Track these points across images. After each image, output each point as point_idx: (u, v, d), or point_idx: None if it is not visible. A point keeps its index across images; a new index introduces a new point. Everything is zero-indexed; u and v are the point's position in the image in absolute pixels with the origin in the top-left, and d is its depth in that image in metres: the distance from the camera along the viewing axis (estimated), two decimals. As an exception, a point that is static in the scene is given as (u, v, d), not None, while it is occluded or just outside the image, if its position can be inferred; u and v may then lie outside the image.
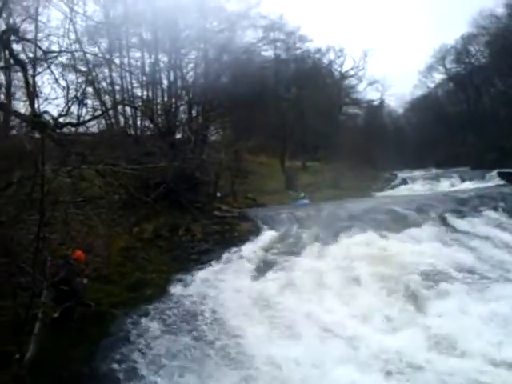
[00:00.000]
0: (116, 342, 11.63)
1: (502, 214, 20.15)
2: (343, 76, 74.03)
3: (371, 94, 78.30)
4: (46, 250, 10.56)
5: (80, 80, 20.72)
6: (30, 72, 18.71)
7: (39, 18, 19.05)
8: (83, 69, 22.71)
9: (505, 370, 10.74)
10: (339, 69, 73.49)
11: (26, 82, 18.48)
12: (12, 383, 7.92)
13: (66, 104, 16.62)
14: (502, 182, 37.35)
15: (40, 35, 19.23)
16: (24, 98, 19.53)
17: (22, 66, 18.20)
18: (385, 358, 11.32)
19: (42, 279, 8.51)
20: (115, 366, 10.79)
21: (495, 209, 20.73)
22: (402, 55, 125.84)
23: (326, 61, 70.70)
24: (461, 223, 19.29)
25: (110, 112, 25.65)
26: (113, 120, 26.29)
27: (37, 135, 16.15)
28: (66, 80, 17.41)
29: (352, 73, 74.27)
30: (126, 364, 10.87)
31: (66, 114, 17.24)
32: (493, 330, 12.05)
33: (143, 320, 12.62)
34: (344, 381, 10.62)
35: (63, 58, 20.12)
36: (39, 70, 18.95)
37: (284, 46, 59.20)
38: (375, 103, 77.67)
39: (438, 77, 74.10)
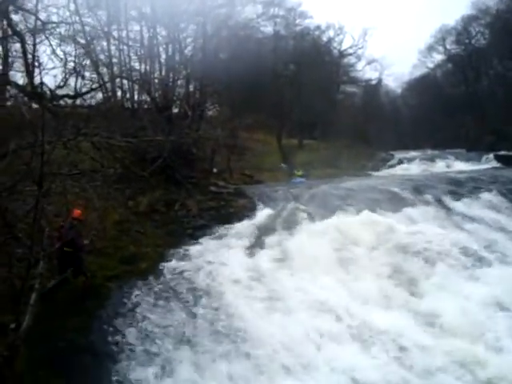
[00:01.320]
0: (110, 315, 11.68)
1: (498, 196, 20.14)
2: (342, 54, 73.71)
3: (370, 73, 78.19)
4: (43, 221, 10.55)
5: (78, 52, 20.63)
6: (28, 43, 18.59)
7: (39, -12, 18.83)
8: (81, 41, 22.60)
9: (492, 351, 10.89)
10: (338, 47, 73.31)
11: (24, 52, 18.36)
12: (7, 353, 7.94)
13: (64, 76, 16.53)
14: (498, 165, 37.48)
15: (39, 6, 19.07)
16: (22, 69, 19.43)
17: (20, 36, 18.06)
18: (375, 336, 11.45)
19: (39, 250, 8.50)
20: (109, 338, 10.86)
21: (491, 191, 20.70)
22: (402, 35, 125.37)
23: (325, 38, 70.42)
24: (456, 205, 19.30)
25: (108, 85, 25.49)
26: (110, 93, 26.12)
27: (34, 106, 16.11)
28: (64, 52, 17.34)
29: (351, 51, 74.08)
30: (120, 336, 10.94)
31: (63, 86, 17.17)
32: (484, 312, 12.16)
33: (137, 293, 12.65)
34: (334, 356, 10.76)
35: (62, 30, 20.03)
36: (37, 40, 18.83)
37: (283, 22, 58.87)
38: (373, 82, 77.34)
39: (438, 57, 74.05)
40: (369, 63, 74.86)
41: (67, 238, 11.40)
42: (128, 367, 10.12)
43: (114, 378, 9.90)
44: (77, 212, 12.19)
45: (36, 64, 18.24)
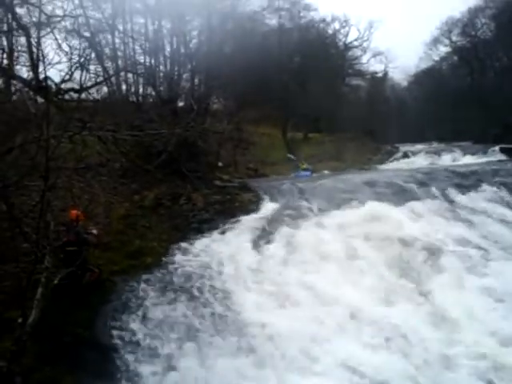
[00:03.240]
0: (115, 309, 11.70)
1: (504, 189, 20.07)
2: (347, 47, 73.51)
3: (375, 66, 77.92)
4: (48, 215, 10.57)
5: (83, 45, 20.60)
6: (33, 36, 18.56)
7: (43, -19, 18.76)
8: (86, 34, 22.60)
9: (496, 344, 10.88)
10: (343, 39, 73.10)
11: (29, 46, 18.34)
12: (13, 347, 7.98)
13: (69, 69, 16.52)
14: (504, 158, 37.31)
15: (43, -1, 19.01)
16: (27, 63, 19.40)
17: (25, 30, 18.05)
18: (381, 330, 11.45)
19: (45, 244, 8.51)
20: (115, 332, 10.89)
21: (497, 184, 20.63)
22: (408, 27, 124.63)
23: (330, 31, 70.25)
24: (462, 198, 19.24)
25: (112, 78, 25.49)
26: (115, 87, 26.13)
27: (40, 100, 16.10)
28: (69, 45, 17.31)
29: (356, 44, 73.91)
30: (126, 331, 10.97)
31: (68, 80, 17.16)
32: (488, 305, 12.17)
33: (143, 288, 12.67)
34: (340, 351, 10.78)
35: (67, 23, 19.99)
36: (42, 34, 18.79)
37: (288, 14, 58.71)
38: (379, 75, 77.14)
39: (444, 50, 73.65)
40: (374, 56, 74.71)
41: (68, 239, 11.35)
42: (134, 361, 10.16)
43: (120, 372, 9.95)
44: (72, 213, 11.96)
45: (41, 58, 18.19)
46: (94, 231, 12.40)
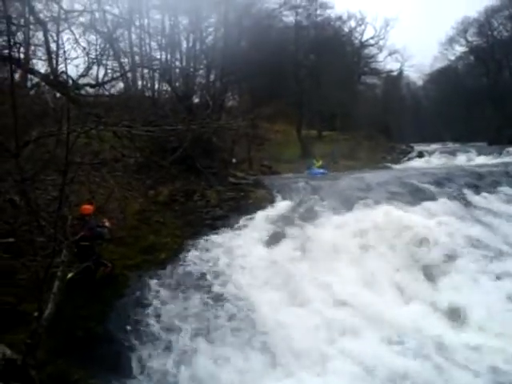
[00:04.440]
0: (129, 304, 11.78)
1: (519, 190, 20.00)
2: (363, 45, 73.17)
3: (391, 65, 77.77)
4: (65, 210, 10.62)
5: (100, 41, 20.69)
6: (50, 31, 18.67)
7: (62, -23, 18.85)
8: (103, 30, 22.68)
9: (507, 344, 10.86)
10: (359, 37, 72.66)
11: (46, 41, 18.43)
12: (29, 341, 8.03)
13: (88, 65, 16.60)
14: (519, 158, 37.09)
15: (62, -5, 19.11)
16: (43, 57, 19.52)
17: (43, 24, 18.14)
18: (395, 329, 11.47)
19: (62, 238, 8.55)
20: (128, 327, 10.96)
21: (511, 185, 20.54)
22: (424, 26, 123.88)
23: (346, 29, 69.84)
24: (477, 198, 19.16)
25: (128, 74, 25.56)
26: (130, 82, 26.20)
27: (57, 94, 16.18)
28: (87, 40, 17.41)
29: (372, 42, 73.42)
30: (139, 326, 11.04)
31: (85, 75, 17.25)
32: (501, 306, 12.14)
33: (156, 283, 12.72)
34: (353, 350, 10.79)
35: (84, 19, 20.08)
36: (60, 29, 18.90)
37: (305, 12, 58.46)
38: (394, 74, 76.81)
39: (459, 49, 73.23)
40: (390, 54, 74.24)
41: (82, 234, 11.37)
42: (146, 356, 10.25)
43: (132, 367, 10.04)
44: (85, 208, 12.01)
45: (58, 53, 18.33)
46: (107, 224, 12.42)
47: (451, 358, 10.54)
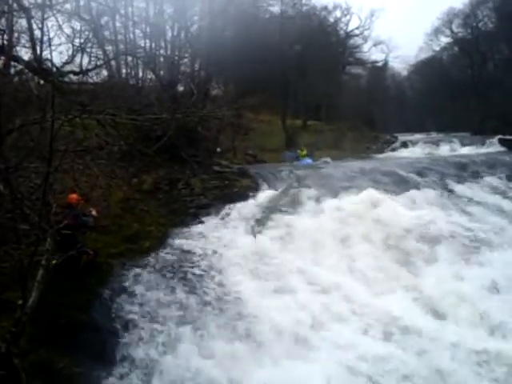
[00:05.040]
0: (113, 293, 11.71)
1: (502, 180, 20.18)
2: (348, 35, 73.15)
3: (376, 55, 77.44)
4: (50, 198, 10.56)
5: (84, 29, 20.52)
6: (34, 18, 18.48)
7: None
8: (87, 17, 22.50)
9: (486, 335, 11.02)
10: (345, 28, 72.66)
11: (30, 28, 18.25)
12: (13, 329, 8.00)
13: (72, 52, 16.47)
14: (502, 149, 37.36)
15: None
16: (27, 45, 19.34)
17: (26, 11, 17.96)
18: (377, 318, 11.57)
19: (47, 226, 8.52)
20: (112, 315, 10.92)
21: (495, 175, 20.72)
22: (410, 17, 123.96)
23: (331, 19, 69.71)
24: (460, 188, 19.33)
25: (113, 62, 25.38)
26: (115, 70, 26.02)
27: (41, 82, 16.04)
28: (71, 27, 17.25)
29: (357, 32, 73.43)
30: (123, 314, 10.99)
31: (69, 63, 17.11)
32: (482, 296, 12.28)
33: (140, 271, 12.68)
34: (336, 338, 10.87)
35: (68, 6, 19.89)
36: (44, 16, 18.71)
37: (291, 1, 58.30)
38: (379, 64, 76.87)
39: (444, 40, 73.26)
40: (375, 45, 74.30)
41: (66, 223, 11.30)
42: (130, 344, 10.20)
43: (117, 355, 9.99)
44: (71, 197, 11.95)
45: (42, 40, 18.16)
46: (94, 212, 12.35)
47: (433, 345, 10.67)
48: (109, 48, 25.57)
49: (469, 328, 11.30)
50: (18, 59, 17.98)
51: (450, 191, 18.93)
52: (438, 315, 11.82)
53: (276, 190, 19.00)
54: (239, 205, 17.45)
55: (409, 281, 13.20)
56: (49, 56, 19.24)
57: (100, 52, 24.34)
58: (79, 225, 11.83)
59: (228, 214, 16.80)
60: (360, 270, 13.49)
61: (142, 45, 28.03)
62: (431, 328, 11.23)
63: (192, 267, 13.11)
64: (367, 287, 12.77)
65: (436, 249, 14.36)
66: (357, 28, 72.94)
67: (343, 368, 9.98)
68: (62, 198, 11.96)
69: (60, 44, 16.86)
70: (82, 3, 22.84)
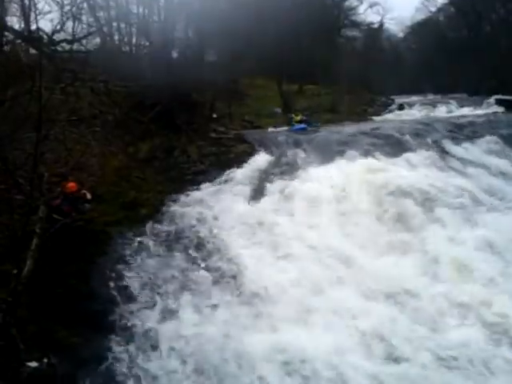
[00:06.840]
0: (111, 261, 11.75)
1: (499, 141, 20.02)
2: (343, -4, 72.23)
3: (371, 17, 76.76)
4: (42, 167, 10.48)
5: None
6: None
7: None
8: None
9: (483, 291, 11.06)
10: (340, -12, 71.68)
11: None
12: (9, 298, 8.00)
13: (61, 20, 16.19)
14: (499, 109, 37.11)
15: None
16: (17, 13, 19.02)
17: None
18: (376, 280, 11.58)
19: (39, 195, 8.47)
20: (111, 284, 10.97)
21: (492, 136, 20.57)
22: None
23: (327, -20, 68.80)
24: (457, 149, 19.22)
25: (105, 29, 25.02)
26: (107, 37, 25.66)
27: (32, 51, 15.82)
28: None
29: (353, -7, 72.44)
30: (121, 283, 11.05)
31: (60, 31, 16.85)
32: (478, 257, 12.28)
33: (138, 239, 12.71)
34: (335, 302, 10.90)
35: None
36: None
37: (287, -36, 57.36)
38: (375, 26, 76.04)
39: (440, 1, 72.34)
40: (371, 6, 73.14)
41: (60, 208, 11.17)
42: (130, 312, 10.28)
43: (115, 324, 10.05)
44: (71, 186, 11.67)
45: (32, 8, 17.83)
46: (88, 196, 12.15)
47: (427, 305, 10.75)
48: (101, 14, 25.17)
49: (465, 288, 11.33)
50: (8, 29, 17.71)
51: (448, 153, 18.81)
52: (436, 277, 11.81)
53: (273, 155, 18.89)
54: (236, 171, 17.40)
55: (407, 243, 13.16)
56: (39, 24, 18.96)
57: (92, 19, 23.98)
58: (77, 213, 11.70)
59: (225, 181, 16.78)
60: (358, 234, 13.47)
61: (135, 11, 27.57)
62: (428, 289, 11.28)
63: (189, 234, 13.15)
64: (365, 251, 12.76)
65: (434, 210, 14.30)
66: (352, -11, 71.89)
67: (343, 332, 10.02)
68: (55, 168, 11.84)
69: (50, 11, 16.57)
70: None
